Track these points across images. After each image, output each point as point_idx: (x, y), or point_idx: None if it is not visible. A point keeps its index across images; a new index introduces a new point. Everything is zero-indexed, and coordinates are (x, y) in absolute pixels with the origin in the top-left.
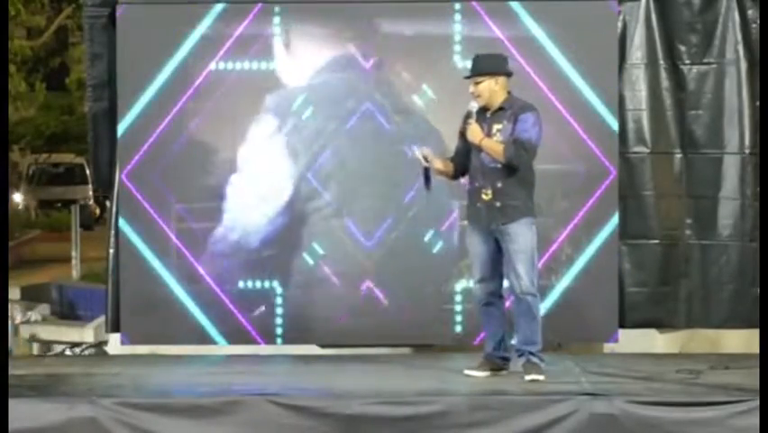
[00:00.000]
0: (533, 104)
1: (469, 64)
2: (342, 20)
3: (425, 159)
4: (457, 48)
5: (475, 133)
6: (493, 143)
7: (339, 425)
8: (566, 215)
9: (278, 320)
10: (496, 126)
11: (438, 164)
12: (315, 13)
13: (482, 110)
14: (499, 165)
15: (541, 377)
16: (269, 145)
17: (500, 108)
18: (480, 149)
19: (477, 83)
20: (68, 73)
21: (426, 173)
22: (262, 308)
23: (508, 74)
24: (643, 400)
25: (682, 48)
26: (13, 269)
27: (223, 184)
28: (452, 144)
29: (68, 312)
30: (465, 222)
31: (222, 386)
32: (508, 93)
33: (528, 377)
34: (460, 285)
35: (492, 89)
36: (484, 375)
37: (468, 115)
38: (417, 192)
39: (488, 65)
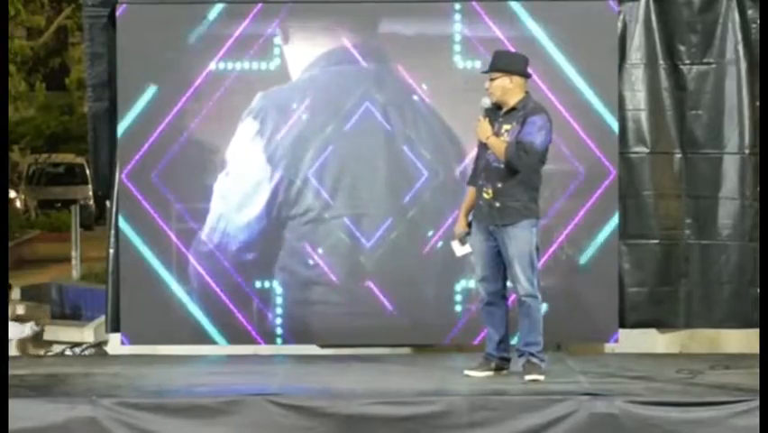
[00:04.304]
0: (545, 108)
1: (469, 64)
2: (343, 20)
3: (461, 241)
4: (457, 48)
5: (483, 129)
6: (498, 142)
7: (339, 425)
8: (566, 215)
9: (278, 320)
10: (505, 126)
11: (464, 222)
12: (315, 12)
13: (497, 108)
14: (502, 165)
15: (541, 377)
16: (269, 144)
17: (513, 108)
18: (486, 147)
19: (492, 79)
20: (68, 73)
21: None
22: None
23: (524, 75)
24: (643, 400)
25: (682, 48)
26: (13, 269)
27: (222, 183)
28: (450, 144)
29: (68, 312)
30: None
31: (222, 386)
32: (526, 94)
33: (528, 377)
34: (460, 285)
35: (506, 88)
36: (484, 375)
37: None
38: (417, 192)
39: (503, 63)
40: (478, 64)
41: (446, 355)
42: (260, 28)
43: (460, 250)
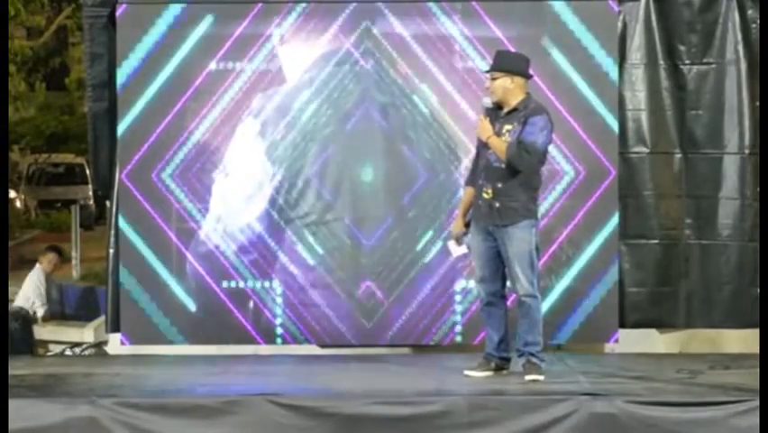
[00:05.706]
0: (546, 109)
1: (468, 64)
2: (343, 19)
3: (457, 241)
4: (457, 48)
5: (484, 129)
6: (499, 142)
7: (339, 425)
8: (566, 215)
9: (278, 320)
10: (506, 127)
11: (461, 222)
12: (314, 12)
13: (497, 108)
14: (503, 165)
15: (541, 377)
16: (270, 145)
17: (514, 109)
18: (486, 146)
19: (493, 78)
20: (68, 73)
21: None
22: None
23: (526, 75)
24: (643, 400)
25: (682, 48)
26: (14, 269)
27: (222, 184)
28: (450, 145)
29: (68, 312)
30: None
31: (222, 386)
32: (527, 94)
33: (528, 377)
34: (460, 285)
35: (506, 88)
36: (484, 375)
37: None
38: (417, 193)
39: (504, 63)
40: (478, 64)
41: (446, 355)
42: (259, 28)
43: (456, 250)
